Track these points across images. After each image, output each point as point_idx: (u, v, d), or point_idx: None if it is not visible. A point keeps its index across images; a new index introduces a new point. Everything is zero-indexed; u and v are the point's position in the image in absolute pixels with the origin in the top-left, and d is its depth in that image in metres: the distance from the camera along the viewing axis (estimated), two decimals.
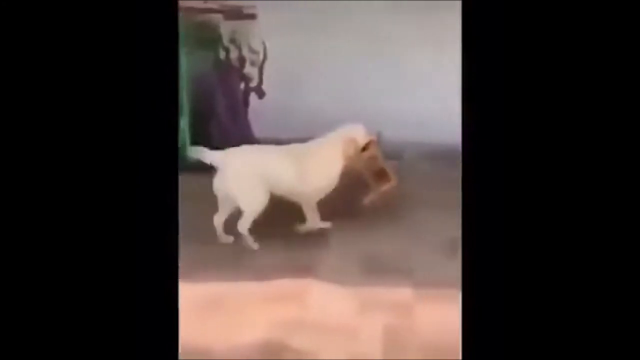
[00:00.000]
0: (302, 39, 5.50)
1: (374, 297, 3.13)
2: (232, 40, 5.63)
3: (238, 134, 5.34)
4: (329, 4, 5.36)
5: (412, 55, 5.32)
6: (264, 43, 5.66)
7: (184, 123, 4.84)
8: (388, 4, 5.31)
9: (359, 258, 3.59)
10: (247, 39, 5.67)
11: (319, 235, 3.92)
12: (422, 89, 5.29)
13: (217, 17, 5.53)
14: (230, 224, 3.83)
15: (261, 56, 5.69)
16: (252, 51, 5.69)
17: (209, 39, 5.43)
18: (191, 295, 2.86)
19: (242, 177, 3.74)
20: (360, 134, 3.95)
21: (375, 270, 3.43)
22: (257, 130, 5.44)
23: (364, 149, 3.94)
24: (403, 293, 3.15)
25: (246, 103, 5.71)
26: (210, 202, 3.78)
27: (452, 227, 3.81)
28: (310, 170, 3.85)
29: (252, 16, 5.62)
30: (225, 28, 5.58)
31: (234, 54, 5.64)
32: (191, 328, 2.53)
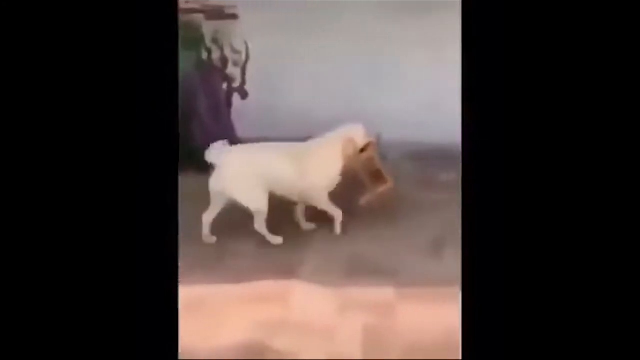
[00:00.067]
0: (285, 39, 5.45)
1: (356, 297, 3.15)
2: (214, 41, 5.57)
3: (221, 134, 5.27)
4: (311, 4, 5.33)
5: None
6: (246, 43, 5.61)
7: None
8: (374, 4, 5.30)
9: (342, 259, 3.60)
10: (230, 39, 5.62)
11: (302, 237, 3.92)
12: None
13: (199, 17, 5.47)
14: (217, 225, 3.82)
15: (244, 56, 5.64)
16: (235, 51, 5.64)
17: (191, 39, 5.37)
18: None
19: (241, 177, 3.74)
20: (359, 135, 3.95)
21: (358, 270, 3.44)
22: (240, 131, 5.40)
23: (363, 149, 3.94)
24: (385, 293, 3.17)
25: (229, 103, 5.66)
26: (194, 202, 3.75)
27: (435, 227, 3.89)
28: (310, 169, 3.85)
29: (234, 16, 5.57)
30: (207, 28, 5.52)
31: (216, 55, 5.58)
32: None
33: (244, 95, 5.70)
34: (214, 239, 3.85)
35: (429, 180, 4.68)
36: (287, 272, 3.41)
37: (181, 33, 5.19)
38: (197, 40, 5.48)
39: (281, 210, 3.86)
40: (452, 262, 3.49)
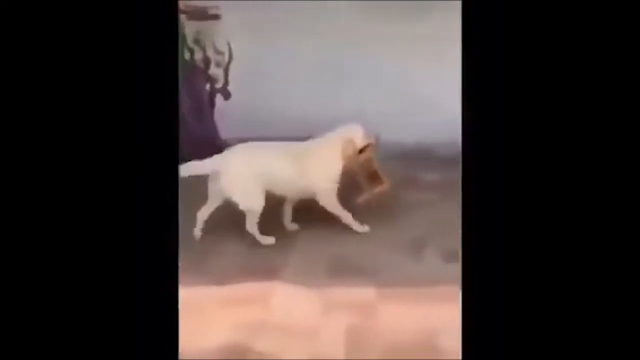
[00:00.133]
0: (267, 39, 5.44)
1: (337, 297, 3.14)
2: (197, 41, 5.54)
3: (204, 135, 5.29)
4: (293, 4, 5.33)
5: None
6: (229, 44, 5.58)
7: None
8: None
9: (325, 259, 3.59)
10: (212, 39, 5.59)
11: (287, 237, 3.91)
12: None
13: (181, 18, 5.42)
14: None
15: (226, 57, 5.62)
16: (217, 52, 5.61)
17: None
18: None
19: (240, 178, 3.73)
20: (358, 135, 3.94)
21: (340, 271, 3.44)
22: (223, 131, 5.39)
23: (362, 150, 3.94)
24: (366, 293, 3.16)
25: (212, 104, 5.64)
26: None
27: (417, 227, 3.90)
28: (311, 170, 3.85)
29: (216, 16, 5.54)
30: (190, 28, 5.49)
31: (198, 55, 5.56)
32: None
33: (226, 95, 5.68)
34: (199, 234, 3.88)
35: (413, 180, 4.70)
36: (271, 272, 3.40)
37: None
38: (179, 41, 5.44)
39: (266, 211, 3.83)
40: (433, 262, 3.52)
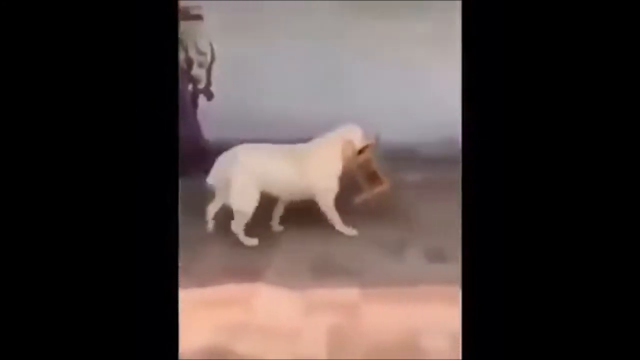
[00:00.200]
0: (250, 39, 5.42)
1: (321, 298, 3.14)
2: (179, 42, 5.50)
3: (187, 135, 5.24)
4: (275, 4, 5.32)
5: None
6: (211, 44, 5.57)
7: None
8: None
9: (308, 260, 3.59)
10: (194, 40, 5.57)
11: (271, 238, 3.91)
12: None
13: None
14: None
15: (209, 57, 5.60)
16: (200, 52, 5.59)
17: None
18: None
19: (239, 180, 3.74)
20: (357, 136, 3.95)
21: (324, 271, 3.44)
22: (206, 132, 5.37)
23: (361, 151, 3.94)
24: (350, 294, 3.17)
25: (195, 104, 5.62)
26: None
27: (398, 228, 3.91)
28: (310, 171, 3.85)
29: (199, 17, 5.52)
30: None
31: (181, 56, 5.52)
32: None
33: (209, 96, 5.67)
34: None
35: (397, 180, 4.70)
36: (254, 274, 3.39)
37: None
38: None
39: (255, 211, 3.82)
40: (416, 262, 3.53)
